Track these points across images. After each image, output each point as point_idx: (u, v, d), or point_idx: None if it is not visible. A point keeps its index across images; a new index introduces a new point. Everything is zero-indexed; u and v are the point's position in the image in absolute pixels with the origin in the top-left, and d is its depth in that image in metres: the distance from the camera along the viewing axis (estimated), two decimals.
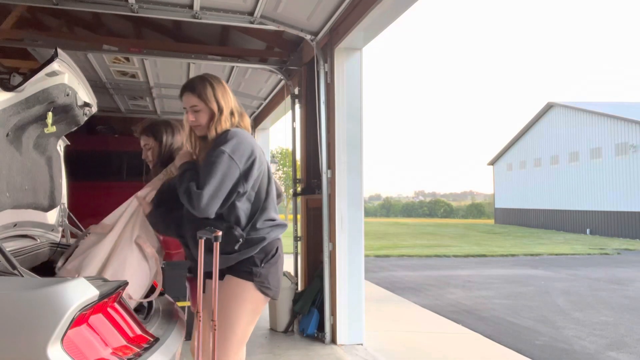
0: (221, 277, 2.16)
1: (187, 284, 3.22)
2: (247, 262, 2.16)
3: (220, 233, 2.04)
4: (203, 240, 2.06)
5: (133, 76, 6.76)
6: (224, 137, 2.17)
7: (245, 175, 2.15)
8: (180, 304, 2.93)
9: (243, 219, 2.17)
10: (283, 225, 2.28)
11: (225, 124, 2.23)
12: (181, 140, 2.70)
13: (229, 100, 2.28)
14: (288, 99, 6.00)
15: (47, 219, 2.79)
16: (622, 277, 10.56)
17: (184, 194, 2.11)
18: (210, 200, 2.06)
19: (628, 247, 18.34)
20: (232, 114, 2.28)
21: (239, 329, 2.16)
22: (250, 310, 2.18)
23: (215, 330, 1.98)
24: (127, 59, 5.96)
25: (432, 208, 59.76)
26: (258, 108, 8.46)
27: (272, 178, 2.33)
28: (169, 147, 2.72)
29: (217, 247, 2.03)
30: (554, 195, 29.53)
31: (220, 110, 2.24)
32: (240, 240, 2.12)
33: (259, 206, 2.22)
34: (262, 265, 2.18)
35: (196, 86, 2.26)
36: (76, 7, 4.16)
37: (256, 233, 2.18)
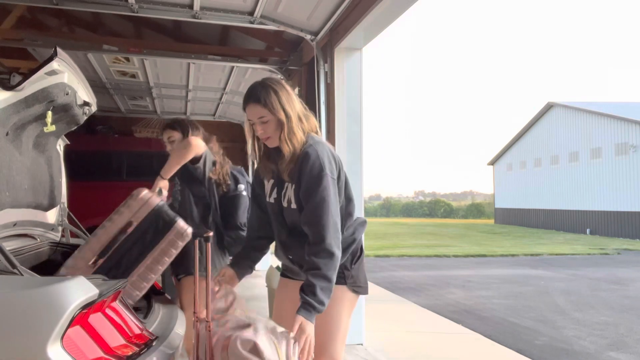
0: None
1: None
2: (339, 266, 2.12)
3: (211, 233, 2.02)
4: (198, 241, 2.05)
5: (133, 76, 6.77)
6: (314, 159, 2.02)
7: (339, 188, 2.10)
8: None
9: None
10: (365, 222, 2.26)
11: (297, 133, 2.06)
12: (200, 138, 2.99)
13: (294, 104, 2.10)
14: None
15: (47, 219, 2.79)
16: (622, 277, 10.55)
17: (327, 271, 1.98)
18: (336, 235, 2.02)
19: (628, 247, 18.33)
20: (299, 119, 2.10)
21: (341, 330, 2.18)
22: (346, 309, 2.19)
23: (210, 330, 1.96)
24: (127, 59, 5.96)
25: (432, 208, 59.68)
26: None
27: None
28: None
29: (208, 247, 2.01)
30: (554, 195, 29.52)
31: (289, 118, 2.05)
32: None
33: (345, 210, 2.17)
34: (352, 266, 2.17)
35: (260, 94, 2.05)
36: (76, 7, 4.16)
37: (347, 236, 2.15)
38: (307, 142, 2.09)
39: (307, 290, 1.95)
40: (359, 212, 4.61)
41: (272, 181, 2.19)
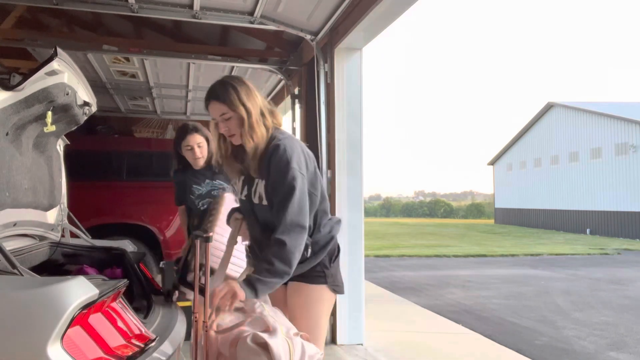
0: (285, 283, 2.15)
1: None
2: (318, 265, 2.13)
3: (212, 234, 2.01)
4: (198, 242, 2.04)
5: (133, 76, 6.77)
6: (282, 152, 2.01)
7: (314, 183, 2.10)
8: (181, 304, 2.93)
9: (311, 224, 2.12)
10: (340, 221, 2.25)
11: (257, 128, 2.06)
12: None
13: (255, 99, 2.10)
14: (288, 99, 6.00)
15: (47, 219, 2.79)
16: (622, 277, 10.56)
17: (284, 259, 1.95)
18: (302, 231, 2.01)
19: (628, 247, 18.33)
20: (262, 114, 2.09)
21: (322, 330, 2.18)
22: (327, 310, 2.20)
23: (207, 330, 1.94)
24: (127, 59, 5.96)
25: (432, 208, 59.72)
26: None
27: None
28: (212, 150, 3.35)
29: (208, 247, 2.01)
30: (554, 195, 29.52)
31: (249, 113, 2.05)
32: (309, 246, 2.09)
33: (320, 207, 2.17)
34: (331, 265, 2.17)
35: (218, 91, 2.08)
36: (76, 7, 4.16)
37: (324, 234, 2.15)
38: (276, 137, 2.10)
39: (264, 267, 1.93)
40: (359, 212, 4.65)
41: (242, 178, 2.20)
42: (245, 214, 2.22)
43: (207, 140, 3.35)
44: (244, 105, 2.06)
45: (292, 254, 1.95)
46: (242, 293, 1.89)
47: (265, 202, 2.08)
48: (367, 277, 5.89)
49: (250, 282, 1.93)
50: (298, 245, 1.97)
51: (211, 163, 3.36)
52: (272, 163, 2.03)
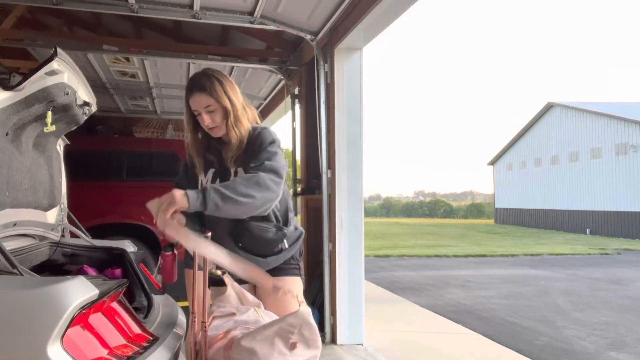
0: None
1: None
2: (293, 258, 2.23)
3: (210, 234, 2.00)
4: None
5: (133, 76, 6.77)
6: (265, 137, 2.09)
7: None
8: (181, 304, 2.93)
9: (281, 217, 2.19)
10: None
11: (243, 120, 2.10)
12: None
13: (237, 93, 2.13)
14: (288, 99, 6.01)
15: (47, 218, 2.79)
16: (622, 277, 10.56)
17: (259, 186, 1.90)
18: (279, 181, 1.99)
19: (628, 247, 18.33)
20: (244, 107, 2.14)
21: None
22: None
23: (206, 330, 1.94)
24: (127, 59, 5.97)
25: (432, 208, 59.77)
26: (258, 108, 8.47)
27: None
28: None
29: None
30: (554, 195, 29.53)
31: (234, 105, 2.08)
32: (285, 238, 2.17)
33: (287, 204, 2.24)
34: (300, 258, 2.29)
35: (204, 83, 2.05)
36: (76, 7, 4.16)
37: (292, 230, 2.23)
38: (257, 127, 2.17)
39: (225, 186, 1.85)
40: (359, 212, 4.66)
41: (212, 171, 2.19)
42: None
43: None
44: (229, 97, 2.08)
45: (260, 186, 1.89)
46: (182, 200, 1.78)
47: None
48: (367, 277, 5.89)
49: (204, 189, 1.82)
50: (269, 189, 1.92)
51: None
52: (260, 141, 2.09)
